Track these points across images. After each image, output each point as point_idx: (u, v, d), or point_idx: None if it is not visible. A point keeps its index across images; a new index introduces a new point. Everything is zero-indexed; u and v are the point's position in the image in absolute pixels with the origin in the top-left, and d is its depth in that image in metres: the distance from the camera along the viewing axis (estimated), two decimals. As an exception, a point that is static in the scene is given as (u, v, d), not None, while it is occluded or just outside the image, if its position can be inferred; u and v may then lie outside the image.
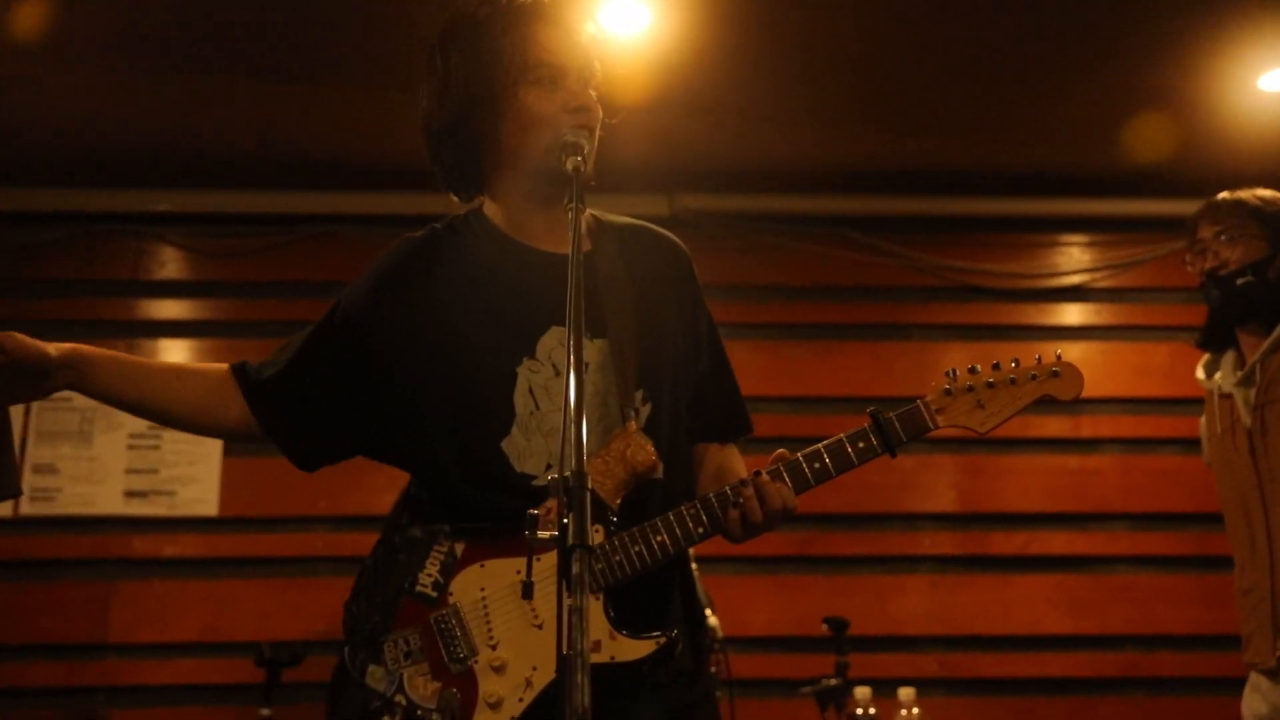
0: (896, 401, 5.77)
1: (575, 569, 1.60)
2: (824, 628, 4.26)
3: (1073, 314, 5.57)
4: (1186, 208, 5.39)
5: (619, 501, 2.19)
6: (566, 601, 1.60)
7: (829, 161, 5.34)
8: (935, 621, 5.20)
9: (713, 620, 3.90)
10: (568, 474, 1.66)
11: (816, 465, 2.26)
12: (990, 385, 2.32)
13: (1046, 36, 4.39)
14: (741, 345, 5.25)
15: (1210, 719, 4.88)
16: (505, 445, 2.21)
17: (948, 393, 2.33)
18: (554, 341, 2.24)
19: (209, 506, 5.11)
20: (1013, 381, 2.34)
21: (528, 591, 1.78)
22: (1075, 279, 5.56)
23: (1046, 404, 2.38)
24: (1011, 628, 5.20)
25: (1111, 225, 5.58)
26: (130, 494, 5.13)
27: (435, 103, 2.31)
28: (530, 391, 2.23)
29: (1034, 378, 2.34)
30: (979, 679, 5.16)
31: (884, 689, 4.12)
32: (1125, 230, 5.57)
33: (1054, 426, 5.38)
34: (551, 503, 1.65)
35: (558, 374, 2.22)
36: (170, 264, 5.41)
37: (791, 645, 5.02)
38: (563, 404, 2.07)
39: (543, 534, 1.71)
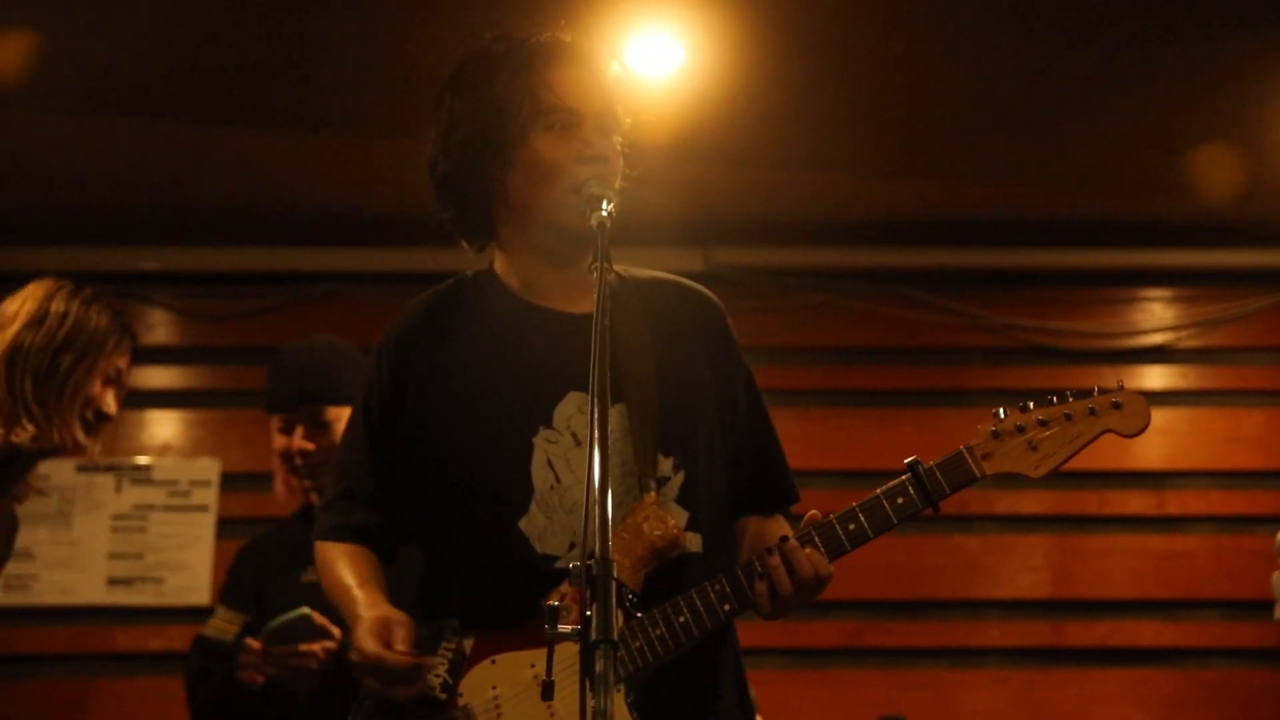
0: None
1: (599, 667, 1.60)
2: (880, 729, 4.22)
3: (1155, 377, 5.54)
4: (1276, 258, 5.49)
5: (639, 581, 2.18)
6: (590, 704, 1.59)
7: (880, 210, 5.35)
8: (1005, 722, 5.14)
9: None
10: (590, 562, 1.66)
11: (851, 526, 2.24)
12: (1043, 424, 2.28)
13: (1114, 76, 4.40)
14: (785, 414, 5.20)
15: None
16: (524, 525, 2.21)
17: (995, 435, 2.29)
18: (572, 409, 2.25)
19: (200, 594, 5.11)
20: (1068, 418, 2.29)
21: (548, 692, 1.78)
22: (1157, 338, 5.54)
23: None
24: (1092, 729, 5.14)
25: (1197, 278, 5.56)
26: (113, 581, 5.14)
27: (440, 147, 2.34)
28: (549, 464, 2.23)
29: (1092, 412, 2.29)
30: (1057, 787, 5.10)
31: (949, 799, 4.07)
32: (1212, 284, 5.55)
33: (1137, 503, 5.34)
34: (567, 588, 1.65)
35: (578, 444, 2.23)
36: (158, 328, 5.45)
37: (845, 749, 4.98)
38: (585, 478, 2.09)
39: (564, 628, 1.71)
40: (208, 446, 5.30)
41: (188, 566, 5.16)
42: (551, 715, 2.13)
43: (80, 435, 3.07)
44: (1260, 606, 5.24)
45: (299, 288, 5.42)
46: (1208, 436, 5.42)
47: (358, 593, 2.25)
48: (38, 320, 3.05)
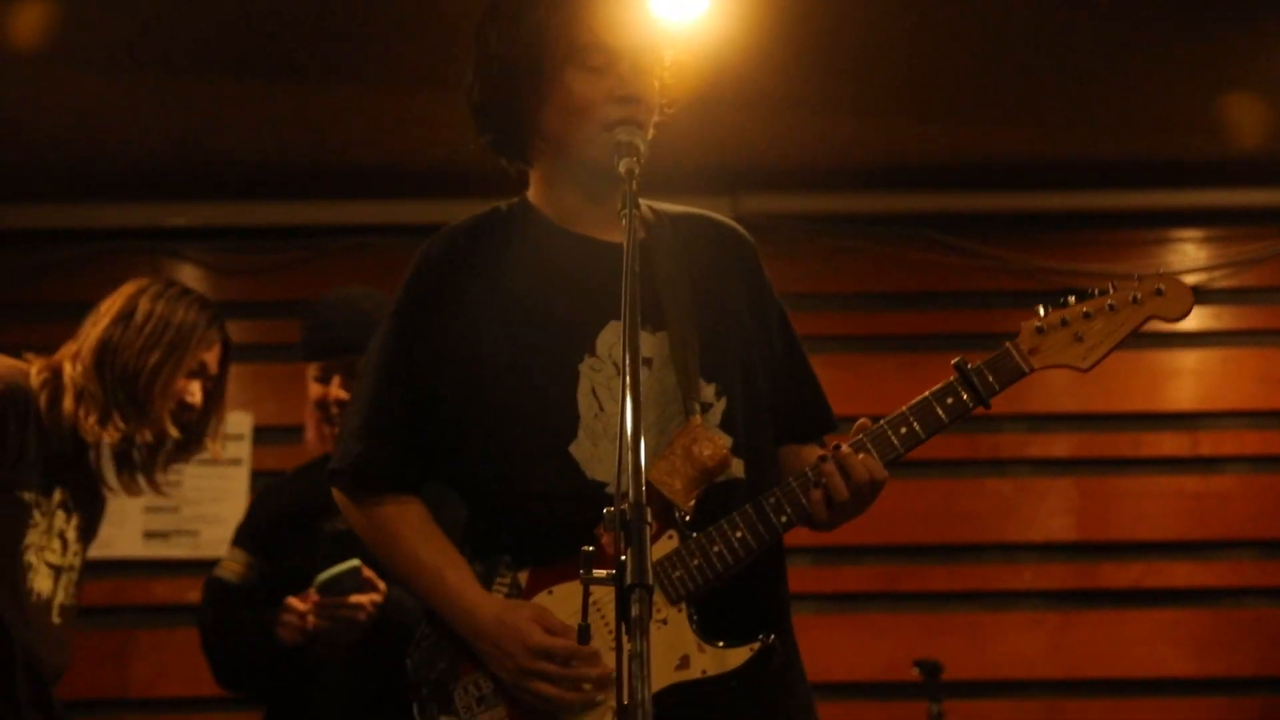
0: (988, 420, 5.73)
1: (635, 611, 1.61)
2: (915, 672, 4.24)
3: (1188, 318, 5.49)
4: (1313, 197, 5.44)
5: (692, 502, 2.19)
6: (626, 647, 1.61)
7: (909, 155, 5.33)
8: (1040, 664, 5.16)
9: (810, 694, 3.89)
10: (624, 507, 1.67)
11: (903, 430, 2.24)
12: (1087, 316, 2.28)
13: (1145, 14, 4.36)
14: (817, 360, 5.14)
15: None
16: (574, 450, 2.22)
17: (1039, 331, 2.29)
18: (613, 337, 2.26)
19: (235, 547, 5.16)
20: (1112, 308, 2.28)
21: (583, 636, 1.79)
22: (1190, 279, 5.49)
23: (1152, 332, 2.29)
24: (1128, 670, 5.15)
25: (1230, 218, 5.53)
26: (150, 535, 5.20)
27: (477, 77, 2.35)
28: (593, 392, 2.25)
29: (1135, 300, 2.29)
30: (1091, 728, 5.11)
31: (984, 740, 4.09)
32: (1246, 223, 5.52)
33: (1170, 444, 5.33)
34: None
35: (619, 372, 2.22)
36: (188, 282, 5.44)
37: (879, 691, 5.00)
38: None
39: (599, 573, 1.72)
40: (240, 401, 5.32)
41: (222, 519, 5.20)
42: (610, 634, 2.14)
43: (171, 428, 3.17)
44: (1295, 546, 5.25)
45: (328, 241, 5.44)
46: (1241, 377, 5.40)
47: (456, 582, 2.23)
48: (125, 316, 3.16)
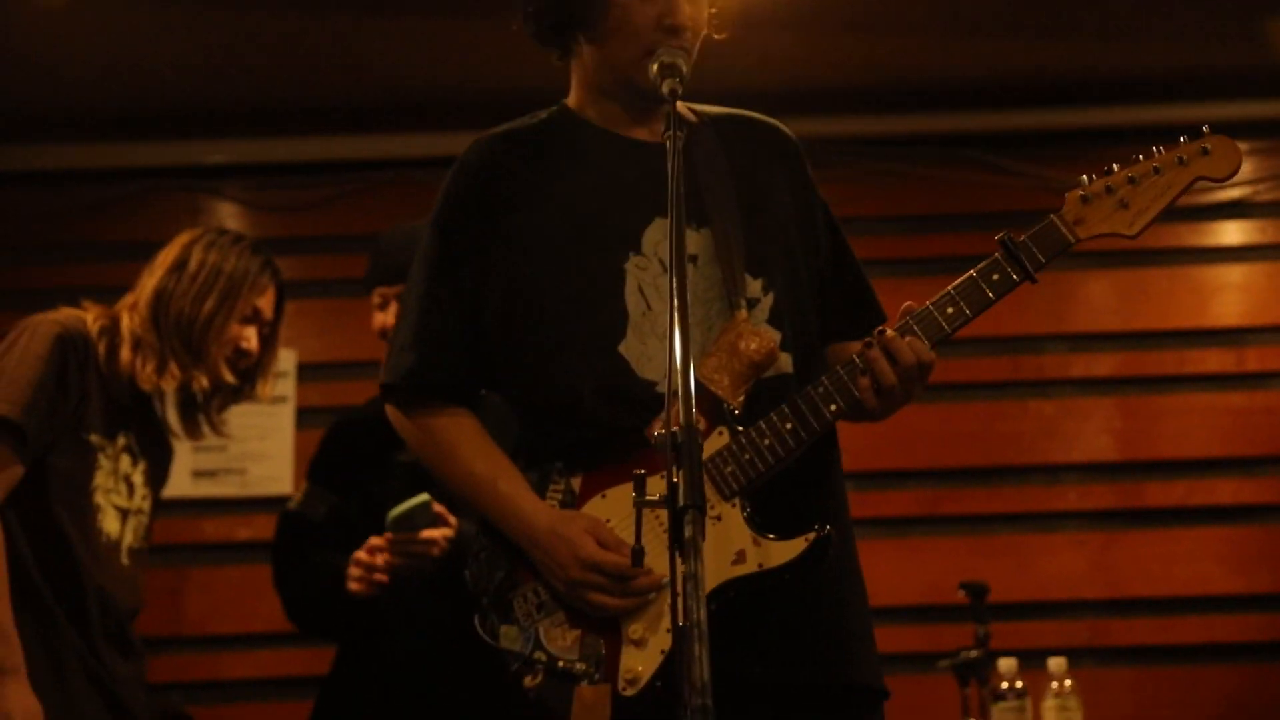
0: (1031, 340, 5.70)
1: (688, 532, 1.62)
2: (961, 594, 4.25)
3: (1232, 232, 5.46)
4: (1361, 104, 5.35)
5: (741, 397, 2.20)
6: (680, 570, 1.62)
7: (947, 73, 5.28)
8: (1086, 584, 5.16)
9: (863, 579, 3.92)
10: (675, 429, 1.68)
11: (950, 310, 2.24)
12: (1132, 181, 2.25)
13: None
14: None
15: (1405, 683, 4.81)
16: (623, 349, 2.24)
17: (1084, 200, 2.26)
18: (659, 234, 2.27)
19: (283, 484, 5.20)
20: (1157, 171, 2.26)
21: (638, 559, 1.81)
22: (1234, 192, 5.44)
23: (1202, 191, 2.25)
24: (1174, 588, 5.14)
25: (1272, 129, 5.44)
26: (198, 474, 5.25)
27: None
28: (640, 290, 2.26)
29: (1181, 161, 2.26)
30: (1138, 647, 5.12)
31: (1031, 660, 4.11)
32: (1289, 134, 5.44)
33: (1215, 360, 5.30)
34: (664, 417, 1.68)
35: (665, 270, 2.23)
36: (228, 219, 5.49)
37: (925, 615, 5.02)
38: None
39: (651, 497, 1.74)
40: (283, 338, 5.27)
41: (269, 456, 5.25)
42: (665, 531, 2.16)
43: (227, 374, 3.24)
44: (1343, 460, 5.22)
45: (369, 175, 5.41)
46: (1288, 291, 5.35)
47: (511, 493, 2.25)
48: (179, 266, 3.23)
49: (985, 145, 5.44)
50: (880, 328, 2.23)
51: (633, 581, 2.15)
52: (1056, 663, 3.99)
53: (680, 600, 1.59)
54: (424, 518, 3.11)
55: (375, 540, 3.22)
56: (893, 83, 5.29)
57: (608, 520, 2.20)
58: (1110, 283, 5.36)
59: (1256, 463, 5.24)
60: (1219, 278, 5.39)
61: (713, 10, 2.34)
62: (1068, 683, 3.95)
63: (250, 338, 3.26)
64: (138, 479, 3.25)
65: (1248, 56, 5.15)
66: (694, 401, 1.70)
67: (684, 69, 2.17)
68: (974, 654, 4.10)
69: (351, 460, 3.45)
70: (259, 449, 5.26)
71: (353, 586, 3.22)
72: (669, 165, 1.99)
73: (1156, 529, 5.20)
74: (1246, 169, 5.42)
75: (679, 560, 1.62)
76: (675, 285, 1.81)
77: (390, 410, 2.39)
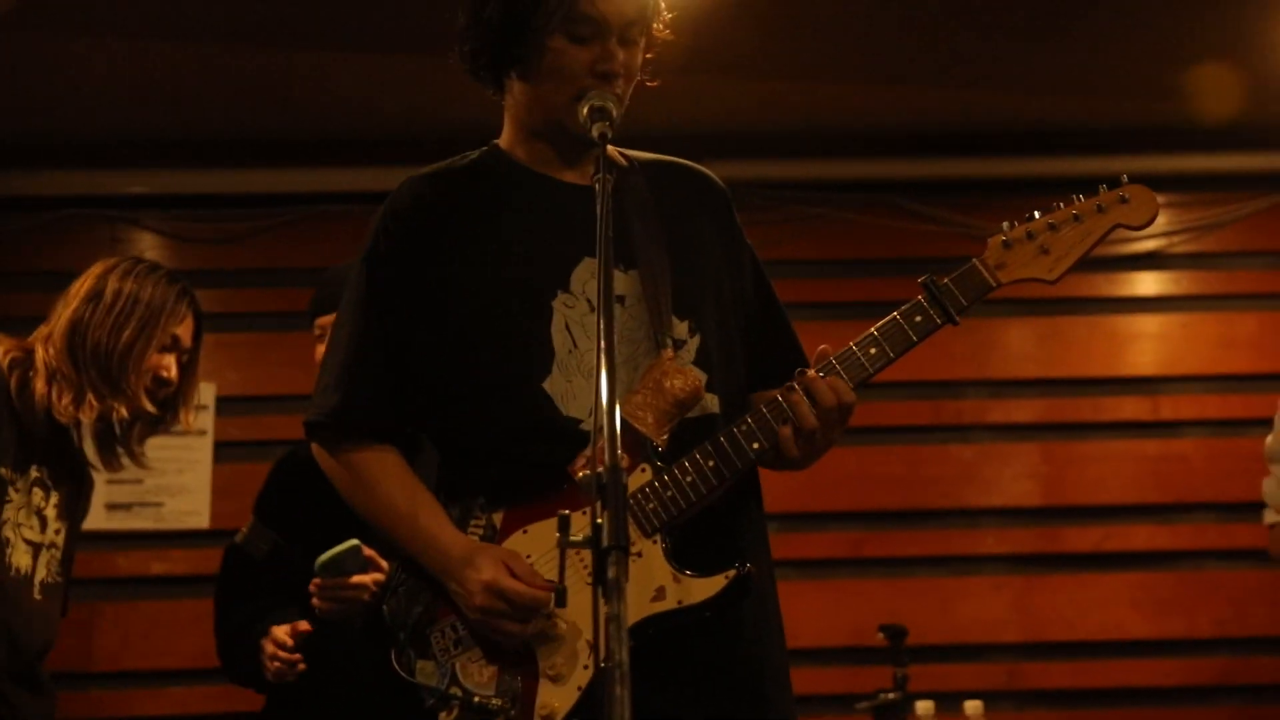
0: (951, 386, 5.75)
1: (612, 573, 1.62)
2: (880, 636, 4.27)
3: (1148, 283, 5.56)
4: (1271, 161, 5.47)
5: (665, 435, 2.21)
6: (603, 610, 1.61)
7: (872, 121, 5.34)
8: (1003, 627, 5.21)
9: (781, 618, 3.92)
10: (600, 469, 1.68)
11: (873, 350, 2.25)
12: (1052, 227, 2.29)
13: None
14: None
15: (1313, 729, 4.89)
16: (548, 386, 2.24)
17: (1005, 245, 2.29)
18: (587, 274, 2.28)
19: (200, 518, 5.15)
20: (1077, 218, 2.30)
21: (561, 599, 1.81)
22: (1150, 244, 5.54)
23: (1119, 242, 2.30)
24: (1089, 632, 5.21)
25: (1189, 184, 5.54)
26: (112, 507, 5.17)
27: (468, 19, 2.33)
28: (567, 328, 2.26)
29: (1100, 209, 2.30)
30: (1053, 690, 5.17)
31: (948, 703, 4.14)
32: (1205, 189, 5.54)
33: (1131, 408, 5.38)
34: (591, 449, 1.66)
35: (592, 309, 2.24)
36: (148, 252, 5.42)
37: (845, 656, 5.03)
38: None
39: (575, 538, 1.73)
40: (202, 371, 5.25)
41: (186, 490, 5.19)
42: (588, 572, 2.10)
43: (146, 404, 3.18)
44: (1254, 508, 5.29)
45: (290, 209, 5.38)
46: (1201, 341, 5.45)
47: (429, 525, 2.24)
48: (94, 295, 3.17)
49: (908, 192, 5.50)
50: (801, 369, 2.24)
51: (537, 619, 2.16)
52: (973, 705, 4.03)
53: (602, 640, 1.58)
54: (354, 563, 3.08)
55: (288, 629, 3.20)
56: (818, 128, 5.34)
57: (528, 556, 2.20)
58: (1030, 330, 5.44)
59: (1169, 509, 5.32)
60: (1134, 327, 5.47)
61: (649, 56, 2.35)
62: (984, 726, 3.98)
63: (169, 366, 3.21)
64: (50, 512, 3.19)
65: (1165, 111, 5.25)
66: (619, 440, 1.70)
67: (614, 113, 2.18)
68: (892, 696, 4.14)
69: (296, 498, 3.41)
70: (176, 482, 5.19)
71: (270, 665, 3.19)
72: (598, 207, 1.99)
73: (1073, 573, 5.26)
74: (1162, 221, 5.53)
75: (601, 601, 1.62)
76: (603, 325, 1.82)
77: (315, 448, 2.38)
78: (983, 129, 5.40)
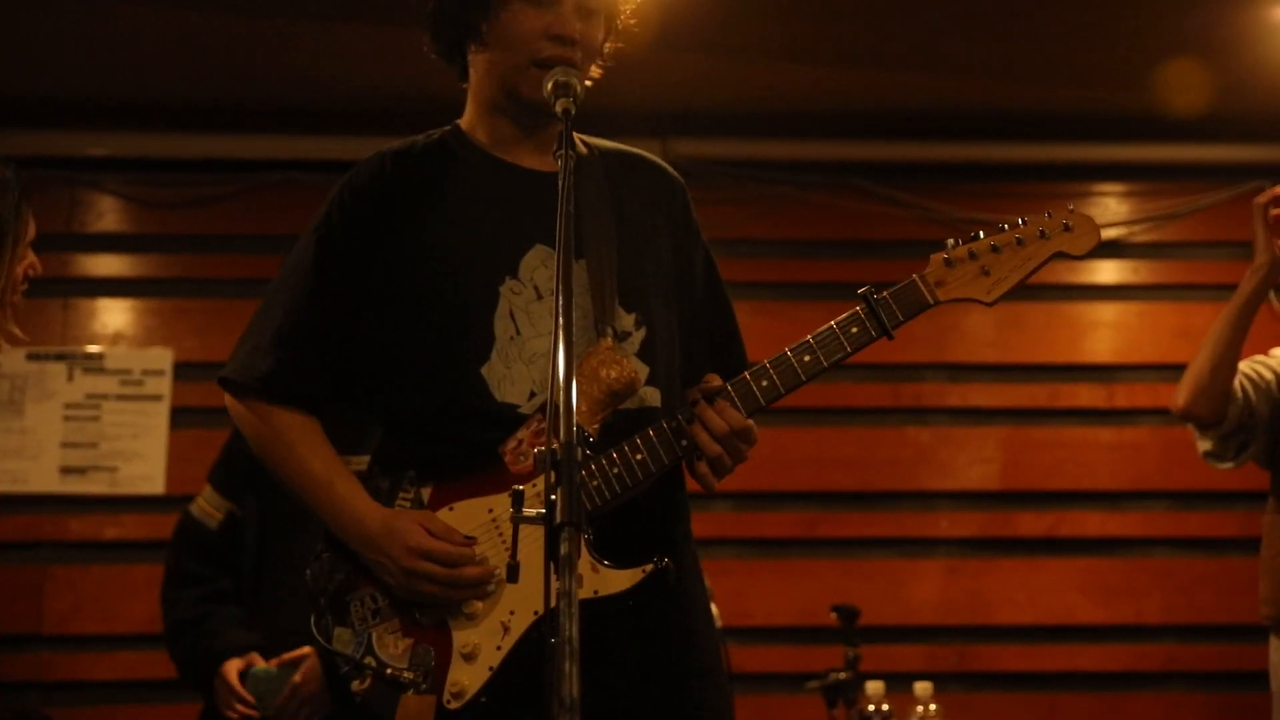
0: (911, 369, 5.78)
1: (564, 549, 1.63)
2: (832, 616, 4.29)
3: (1107, 271, 5.59)
4: (1232, 153, 5.52)
5: (597, 425, 2.22)
6: (555, 585, 1.62)
7: (837, 103, 5.34)
8: (954, 610, 5.25)
9: (712, 609, 3.94)
10: (555, 445, 1.69)
11: (806, 358, 2.28)
12: (995, 250, 2.31)
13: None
14: (742, 306, 5.14)
15: (1255, 717, 4.95)
16: (485, 371, 2.25)
17: (947, 263, 2.31)
18: (537, 261, 2.29)
19: (154, 484, 5.13)
20: (1019, 242, 2.32)
21: (513, 575, 1.81)
22: (1110, 233, 5.57)
23: (1060, 262, 2.34)
24: (1039, 617, 5.25)
25: (1150, 173, 5.60)
26: (66, 470, 5.14)
27: None
28: (511, 315, 2.27)
29: (1043, 235, 2.32)
30: (1002, 673, 5.21)
31: (898, 683, 4.16)
32: (1165, 179, 5.59)
33: (1086, 395, 5.42)
34: (524, 433, 1.67)
35: (539, 297, 2.27)
36: (108, 215, 5.40)
37: (797, 636, 5.06)
38: (546, 330, 2.14)
39: (529, 511, 1.74)
40: (160, 336, 5.27)
41: (141, 455, 5.16)
42: (506, 549, 2.17)
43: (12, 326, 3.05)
44: (1204, 498, 5.36)
45: (254, 175, 5.35)
46: (1157, 331, 5.48)
47: (345, 492, 2.26)
48: None
49: (870, 174, 5.52)
50: (695, 399, 2.25)
51: (463, 569, 2.17)
52: (922, 687, 4.05)
53: (554, 615, 1.59)
54: (277, 686, 3.19)
55: (238, 667, 3.27)
56: (785, 109, 5.35)
57: None
58: (989, 315, 5.45)
59: (1121, 496, 5.37)
60: (1092, 315, 5.51)
61: (613, 45, 2.35)
62: (933, 707, 4.00)
63: (35, 264, 2.97)
64: None
65: (1127, 100, 5.28)
66: (573, 418, 1.71)
67: (577, 89, 2.18)
68: (843, 676, 4.15)
69: (251, 468, 3.42)
70: (131, 447, 5.16)
71: (226, 714, 3.26)
72: (560, 182, 1.99)
73: (1025, 558, 5.31)
74: (1122, 210, 5.60)
75: (553, 577, 1.63)
76: (560, 303, 1.82)
77: (229, 400, 2.37)
78: (946, 113, 5.42)
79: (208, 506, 3.45)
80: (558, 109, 2.14)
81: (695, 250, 2.48)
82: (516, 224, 2.28)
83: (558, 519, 1.64)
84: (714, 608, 3.97)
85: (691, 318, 2.44)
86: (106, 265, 5.39)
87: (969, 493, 5.36)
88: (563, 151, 2.05)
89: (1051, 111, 5.42)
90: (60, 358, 5.20)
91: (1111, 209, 5.62)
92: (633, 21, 2.40)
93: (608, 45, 2.39)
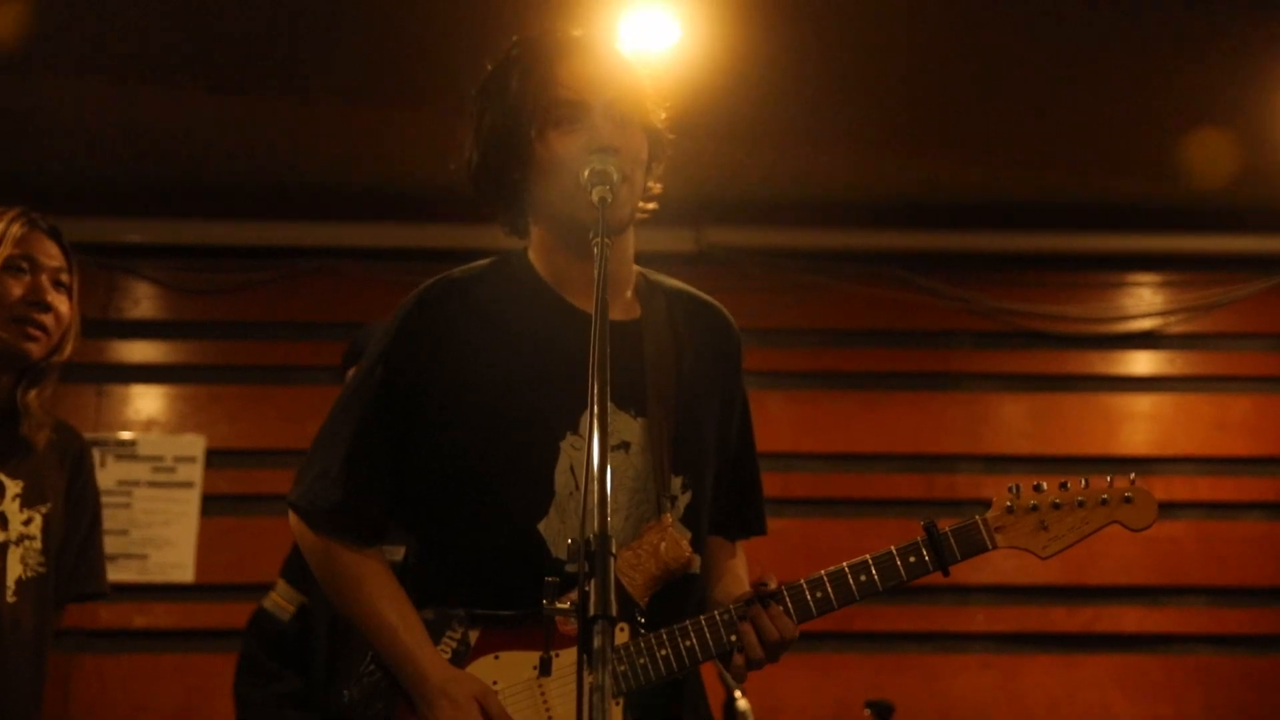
0: (945, 460, 5.73)
1: (598, 642, 1.60)
2: (867, 713, 4.23)
3: (1143, 362, 5.56)
4: (1268, 244, 5.51)
5: (648, 599, 2.21)
6: (587, 679, 1.60)
7: (872, 192, 5.36)
8: (991, 706, 5.17)
9: (743, 704, 3.90)
10: (589, 537, 1.67)
11: (863, 578, 2.29)
12: (1056, 506, 2.39)
13: (1113, 55, 4.42)
14: (776, 395, 5.26)
15: (1301, 818, 4.85)
16: (542, 527, 2.22)
17: (1010, 510, 2.39)
18: None
19: (185, 572, 5.11)
20: (1080, 504, 2.40)
21: (545, 668, 1.79)
22: (1146, 323, 5.56)
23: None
24: (1077, 713, 5.17)
25: (1187, 263, 5.58)
26: (96, 557, 5.13)
27: (471, 151, 2.36)
28: (571, 470, 2.24)
29: (1104, 502, 2.40)
30: (1040, 771, 5.13)
31: (934, 781, 4.10)
32: (1202, 269, 5.57)
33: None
34: (572, 595, 1.67)
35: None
36: (145, 301, 5.44)
37: (831, 732, 5.00)
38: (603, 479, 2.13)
39: (561, 605, 1.71)
40: (193, 422, 5.29)
41: (172, 543, 5.15)
42: (548, 712, 2.16)
43: (16, 340, 2.91)
44: (1245, 594, 5.28)
45: (290, 262, 5.38)
46: (1195, 422, 5.44)
47: (410, 643, 2.23)
48: None
49: (907, 263, 5.52)
50: (754, 596, 2.26)
51: None
52: (960, 785, 3.98)
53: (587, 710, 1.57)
54: None
55: None
56: (819, 197, 5.36)
57: (494, 682, 2.19)
58: (1024, 406, 5.43)
59: (1160, 592, 5.30)
60: (1129, 406, 5.48)
61: (646, 139, 2.33)
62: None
63: (14, 289, 2.92)
64: (10, 507, 2.99)
65: (1164, 190, 5.28)
66: (608, 517, 1.69)
67: (614, 177, 2.16)
68: (878, 773, 4.09)
69: None
70: (162, 535, 5.16)
71: None
72: (595, 270, 1.98)
73: (1062, 654, 5.23)
74: (1158, 300, 5.57)
75: (585, 670, 1.60)
76: (595, 391, 1.81)
77: (295, 522, 2.35)
78: (982, 203, 5.43)
79: (280, 600, 3.52)
80: (594, 197, 2.13)
81: (736, 401, 2.48)
82: (579, 376, 2.25)
83: (591, 611, 1.62)
84: (745, 701, 3.93)
85: (724, 468, 2.44)
86: (141, 352, 5.42)
87: (1005, 586, 5.30)
88: (599, 239, 2.04)
89: (1087, 201, 5.43)
90: (93, 444, 5.16)
91: (1146, 299, 5.60)
92: (666, 120, 2.39)
93: (653, 165, 2.37)
